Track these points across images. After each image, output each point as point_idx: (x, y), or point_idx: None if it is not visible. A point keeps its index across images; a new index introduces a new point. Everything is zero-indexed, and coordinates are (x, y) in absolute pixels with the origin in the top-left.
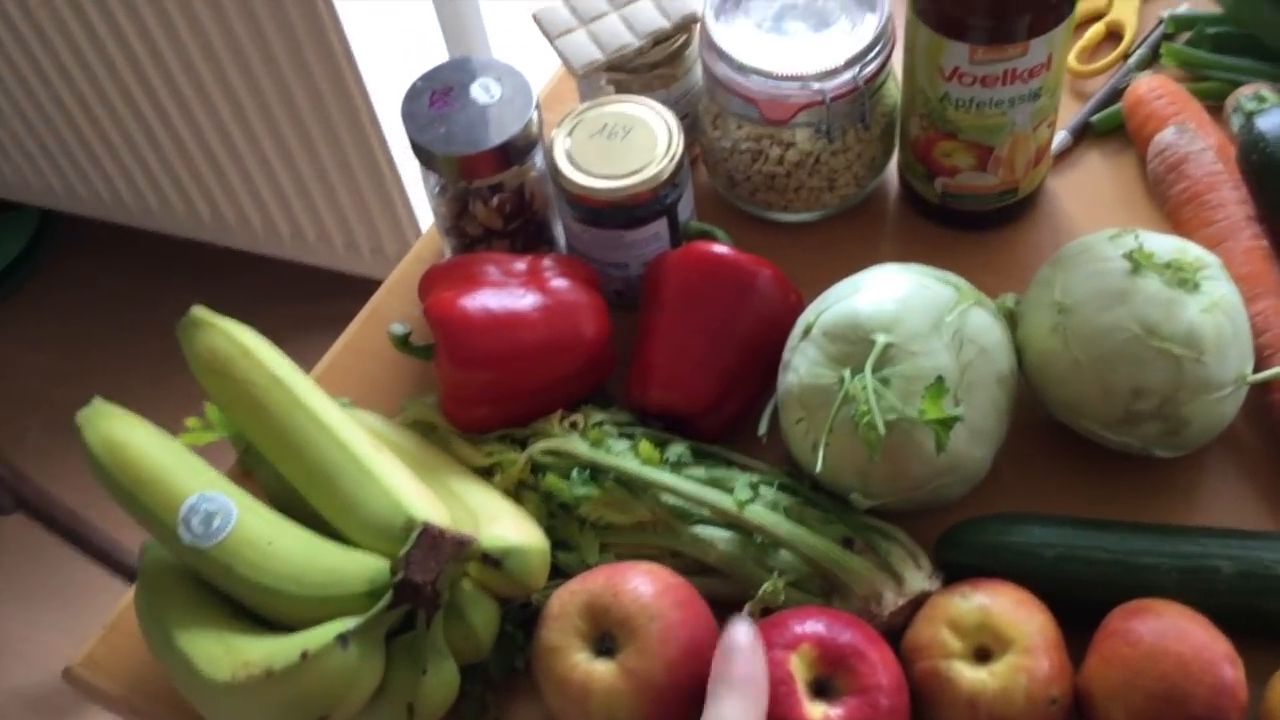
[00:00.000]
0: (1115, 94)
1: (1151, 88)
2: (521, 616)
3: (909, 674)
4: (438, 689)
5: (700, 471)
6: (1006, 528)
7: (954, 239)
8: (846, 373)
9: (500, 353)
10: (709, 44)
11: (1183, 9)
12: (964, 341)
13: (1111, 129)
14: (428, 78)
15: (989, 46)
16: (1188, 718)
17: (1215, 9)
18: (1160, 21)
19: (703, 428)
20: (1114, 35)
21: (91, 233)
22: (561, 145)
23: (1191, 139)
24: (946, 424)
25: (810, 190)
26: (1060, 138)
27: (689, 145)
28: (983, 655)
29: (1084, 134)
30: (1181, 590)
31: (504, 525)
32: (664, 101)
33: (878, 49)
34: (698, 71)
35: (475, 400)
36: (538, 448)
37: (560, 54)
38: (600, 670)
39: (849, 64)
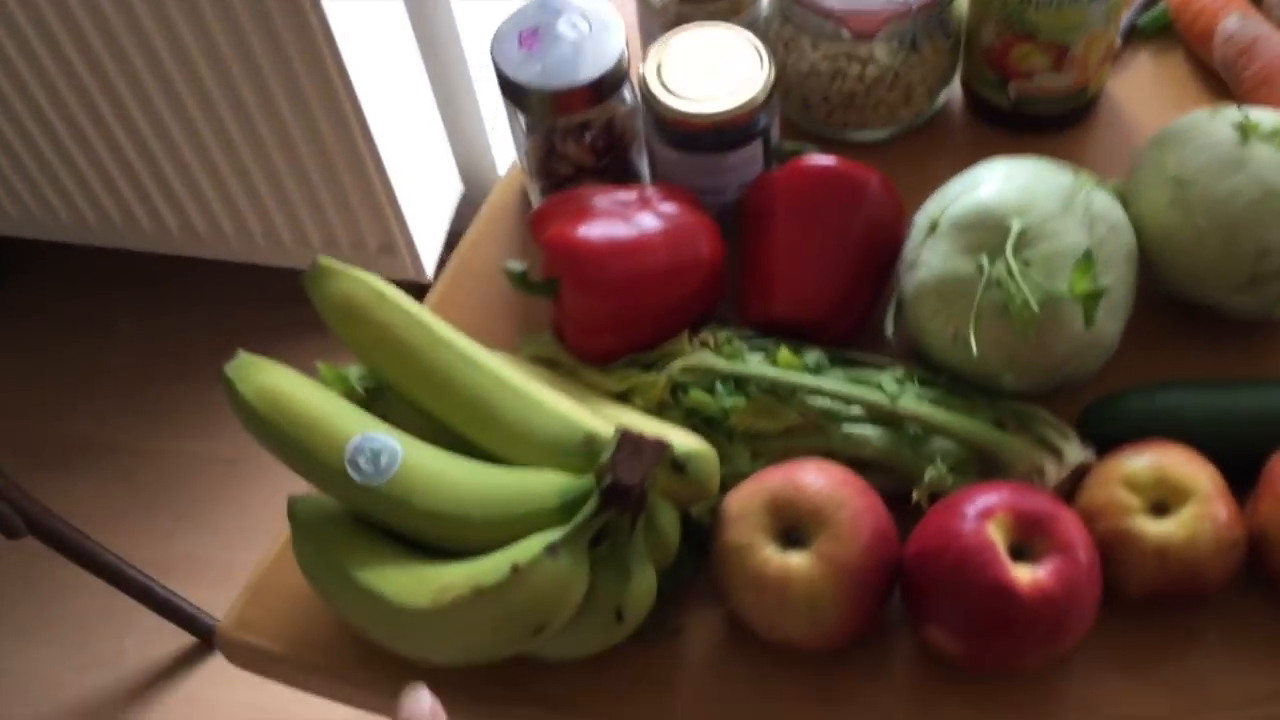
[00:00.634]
0: None
1: None
2: (685, 531)
3: (1094, 538)
4: (642, 592)
5: (840, 373)
6: (1149, 395)
7: (1025, 145)
8: (984, 259)
9: (627, 278)
10: None
11: None
12: (1094, 220)
13: (1158, 29)
14: (513, 19)
15: None
16: None
17: None
18: None
19: (825, 336)
20: None
21: (41, 256)
22: (655, 73)
23: (1256, 24)
24: (1095, 297)
25: (888, 106)
26: None
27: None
28: (1160, 509)
29: (1130, 37)
30: None
31: (674, 435)
32: None
33: None
34: (764, 2)
35: (601, 329)
36: (677, 365)
37: None
38: (796, 560)
39: None
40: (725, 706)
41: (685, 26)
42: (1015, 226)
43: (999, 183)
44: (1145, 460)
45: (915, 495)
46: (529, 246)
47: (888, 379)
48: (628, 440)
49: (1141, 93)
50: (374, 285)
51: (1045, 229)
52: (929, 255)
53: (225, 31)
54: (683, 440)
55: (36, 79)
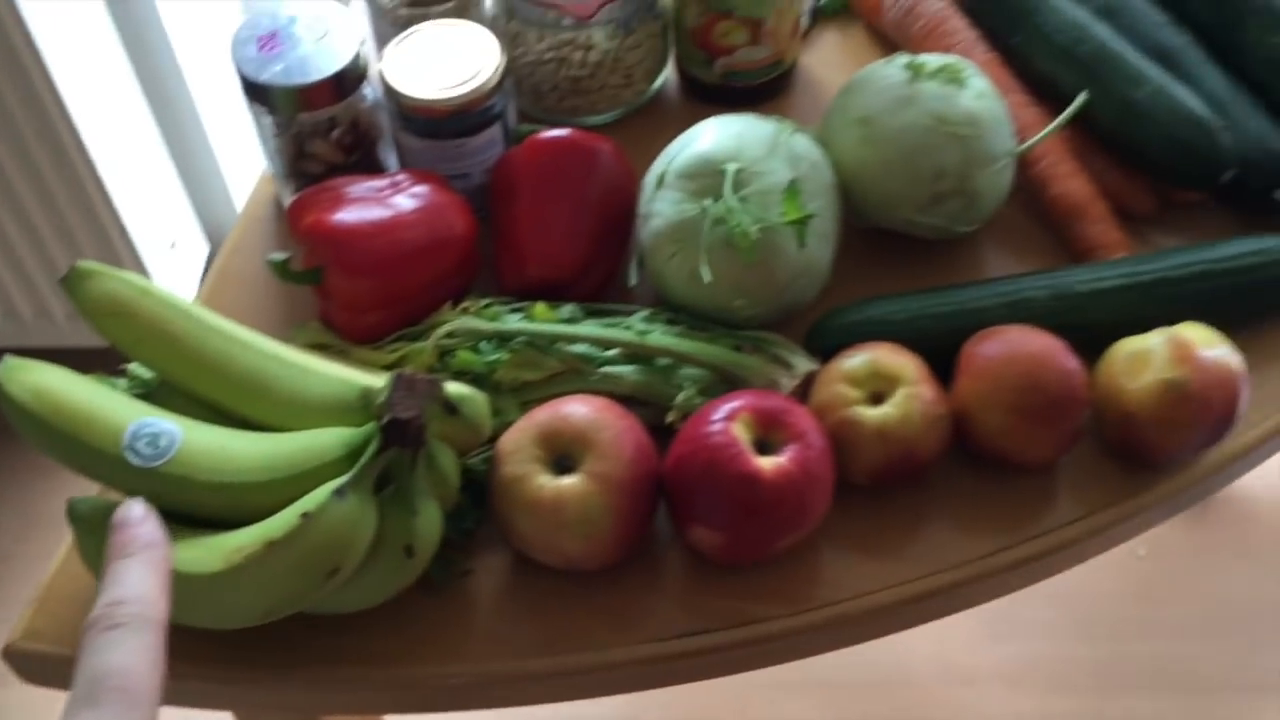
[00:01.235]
0: None
1: None
2: (465, 482)
3: (825, 431)
4: (429, 528)
5: (593, 322)
6: (860, 308)
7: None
8: (709, 201)
9: (387, 255)
10: None
11: None
12: (797, 159)
13: (837, 10)
14: (249, 26)
15: None
16: (1048, 399)
17: None
18: None
19: (577, 293)
20: None
21: None
22: (393, 66)
23: None
24: (804, 222)
25: (611, 89)
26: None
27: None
28: (877, 399)
29: (816, 18)
30: (1010, 319)
31: (447, 387)
32: None
33: None
34: (487, 3)
35: (367, 307)
36: (441, 331)
37: None
38: (567, 483)
39: None
40: (516, 640)
41: (420, 25)
42: (730, 169)
43: (713, 136)
44: (860, 359)
45: (669, 418)
46: (287, 246)
47: (636, 320)
48: (402, 380)
49: (830, 64)
50: (136, 281)
51: (756, 169)
52: (660, 206)
53: None
54: (454, 387)
55: None
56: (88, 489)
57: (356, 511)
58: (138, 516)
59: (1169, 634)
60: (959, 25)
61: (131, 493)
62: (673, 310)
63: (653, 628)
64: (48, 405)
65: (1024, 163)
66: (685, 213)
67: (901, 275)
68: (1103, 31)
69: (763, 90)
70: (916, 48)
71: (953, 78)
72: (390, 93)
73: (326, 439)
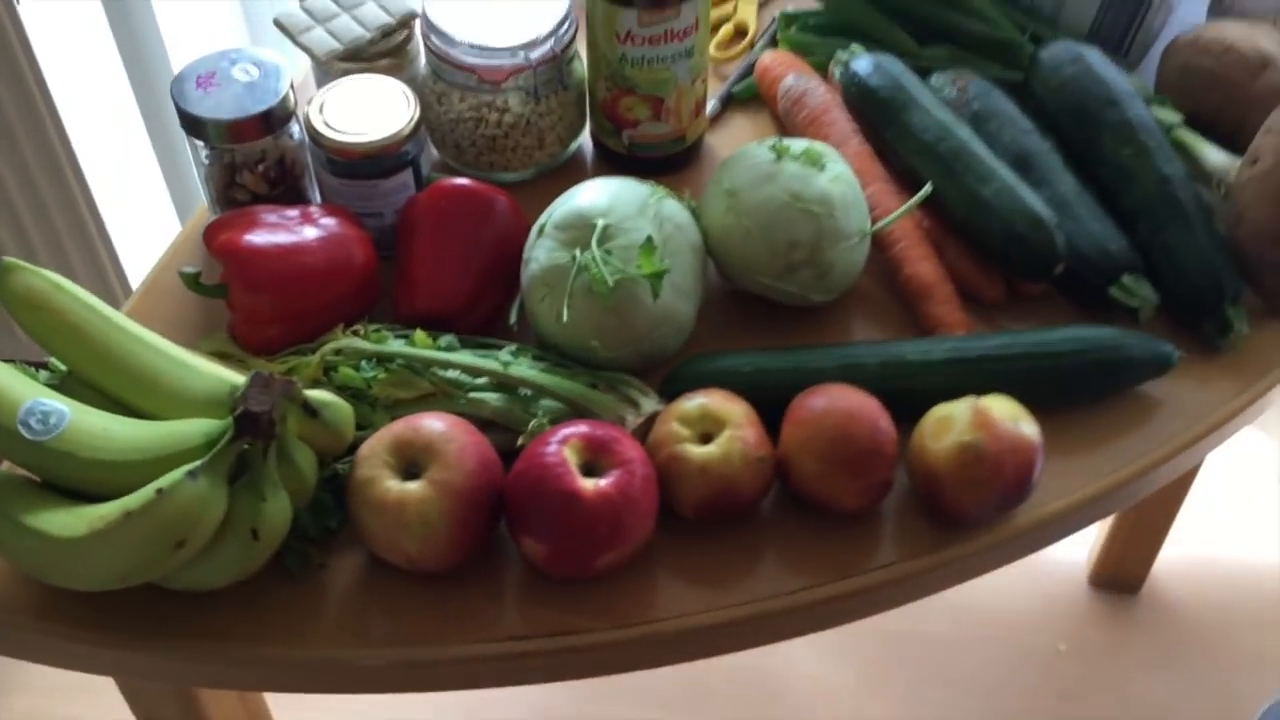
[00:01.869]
0: (748, 70)
1: (774, 58)
2: (331, 486)
3: (655, 465)
4: (276, 514)
5: (468, 352)
6: (712, 359)
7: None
8: (578, 251)
9: (285, 275)
10: (431, 27)
11: (790, 8)
12: (663, 220)
13: (748, 97)
14: (192, 66)
15: (650, 10)
16: (856, 451)
17: (815, 6)
18: (774, 19)
19: (462, 326)
20: (741, 33)
21: None
22: (318, 111)
23: (806, 80)
24: (659, 275)
25: (524, 149)
26: (711, 106)
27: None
28: (706, 439)
29: (729, 103)
30: (843, 379)
31: (316, 394)
32: None
33: (567, 24)
34: (420, 62)
35: (266, 320)
36: (328, 348)
37: (304, 47)
38: (411, 487)
39: (548, 35)
40: (361, 630)
41: (347, 77)
42: (599, 224)
43: (590, 193)
44: (694, 402)
45: (520, 441)
46: (214, 267)
47: (504, 353)
48: (258, 378)
49: (734, 143)
50: (52, 278)
51: (623, 226)
52: (537, 252)
53: None
54: (319, 394)
55: None
56: None
57: (206, 491)
58: None
59: None
60: (839, 117)
61: (24, 463)
62: (544, 347)
63: (485, 630)
64: None
65: (884, 243)
66: (557, 260)
67: (764, 335)
68: (963, 133)
69: (667, 162)
70: (802, 134)
71: (813, 161)
72: (313, 134)
73: (192, 427)
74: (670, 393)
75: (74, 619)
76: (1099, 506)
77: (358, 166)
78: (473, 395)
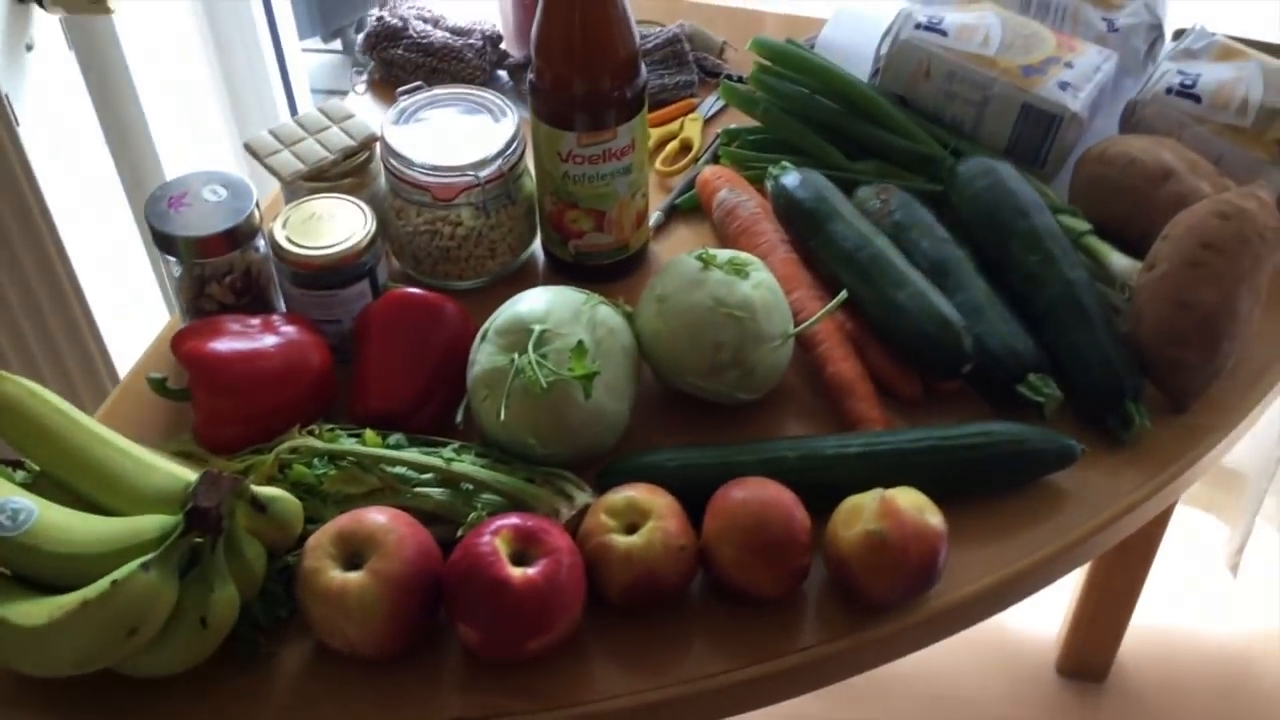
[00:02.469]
0: (691, 184)
1: (715, 172)
2: (282, 577)
3: (584, 555)
4: (224, 604)
5: (416, 450)
6: (641, 455)
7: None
8: (516, 354)
9: (245, 379)
10: (391, 151)
11: (732, 126)
12: (596, 324)
13: (691, 208)
14: (164, 187)
15: (589, 133)
16: (771, 539)
17: (755, 124)
18: (717, 136)
19: (412, 426)
20: (686, 149)
21: None
22: (281, 227)
23: (739, 194)
24: (589, 377)
25: (477, 259)
26: (656, 217)
27: (379, 229)
28: (630, 529)
29: (672, 213)
30: (764, 473)
31: (266, 490)
32: None
33: (514, 145)
34: (381, 181)
35: (226, 422)
36: (283, 446)
37: (270, 169)
38: (353, 577)
39: (496, 155)
40: (308, 714)
41: (310, 196)
42: (536, 330)
43: (529, 301)
44: (621, 494)
45: (459, 533)
46: (180, 369)
47: (448, 450)
48: (208, 475)
49: (678, 251)
50: (26, 385)
51: (559, 331)
52: (480, 356)
53: None
54: (268, 490)
55: None
56: None
57: (158, 582)
58: None
59: None
60: (767, 228)
61: None
62: (486, 445)
63: (424, 714)
64: None
65: (809, 344)
66: (497, 363)
67: (696, 431)
68: (881, 242)
69: (611, 270)
70: (734, 243)
71: (738, 269)
72: (276, 248)
73: (148, 522)
74: (604, 486)
75: (34, 707)
76: (1006, 593)
77: (317, 277)
78: (418, 490)
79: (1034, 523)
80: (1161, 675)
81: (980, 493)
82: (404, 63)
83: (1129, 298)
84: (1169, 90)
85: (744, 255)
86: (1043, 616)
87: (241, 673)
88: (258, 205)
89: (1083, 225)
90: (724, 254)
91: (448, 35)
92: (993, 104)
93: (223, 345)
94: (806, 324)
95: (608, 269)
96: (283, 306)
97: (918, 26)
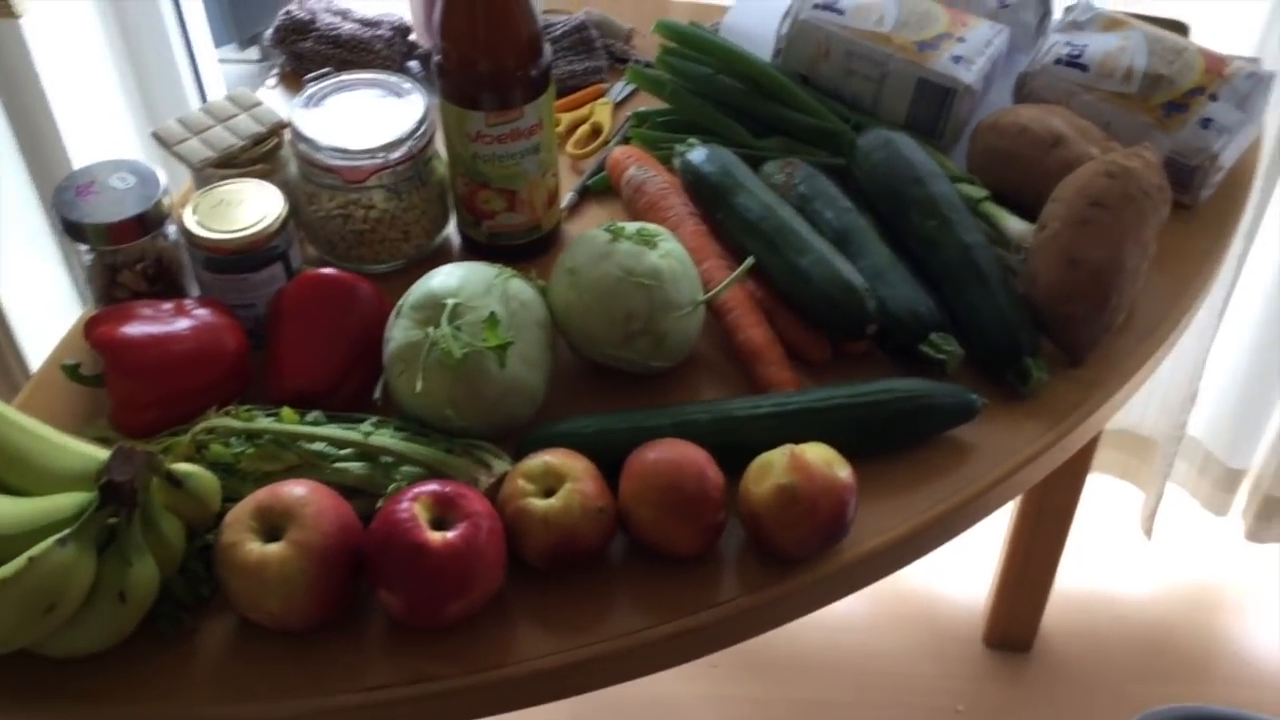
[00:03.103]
0: (602, 166)
1: (624, 152)
2: (202, 556)
3: (503, 520)
4: (142, 578)
5: (334, 426)
6: (558, 424)
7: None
8: (430, 329)
9: (159, 362)
10: (299, 135)
11: (641, 109)
12: (509, 297)
13: (603, 189)
14: (70, 177)
15: (496, 112)
16: (686, 497)
17: (663, 106)
18: (627, 119)
19: (331, 404)
20: (597, 132)
21: None
22: (191, 212)
23: (646, 170)
24: (503, 347)
25: (391, 242)
26: (569, 198)
27: (292, 214)
28: (548, 493)
29: (585, 194)
30: (677, 436)
31: (182, 467)
32: None
33: (423, 126)
34: (292, 168)
35: (142, 406)
36: (199, 427)
37: (179, 156)
38: (272, 548)
39: (406, 137)
40: (232, 687)
41: (222, 182)
42: (450, 304)
43: (441, 277)
44: (537, 460)
45: (378, 504)
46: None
47: (366, 425)
48: (121, 450)
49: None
50: None
51: (472, 304)
52: (395, 332)
53: None
54: (183, 466)
55: None
56: None
57: (74, 557)
58: None
59: None
60: (676, 201)
61: None
62: (404, 419)
63: (350, 681)
64: None
65: (719, 312)
66: (412, 337)
67: (613, 401)
68: (785, 212)
69: (525, 250)
70: (643, 218)
71: (645, 240)
72: (186, 233)
73: (64, 500)
74: (522, 456)
75: None
76: (915, 543)
77: (229, 261)
78: (337, 465)
79: (939, 475)
80: (1085, 642)
81: (887, 448)
82: (314, 55)
83: (1024, 259)
84: (1058, 61)
85: (652, 227)
86: (968, 592)
87: (164, 650)
88: (167, 191)
89: (980, 192)
90: (632, 226)
91: (357, 27)
92: (890, 79)
93: (135, 329)
94: (715, 290)
95: (522, 249)
96: (196, 293)
97: (815, 6)
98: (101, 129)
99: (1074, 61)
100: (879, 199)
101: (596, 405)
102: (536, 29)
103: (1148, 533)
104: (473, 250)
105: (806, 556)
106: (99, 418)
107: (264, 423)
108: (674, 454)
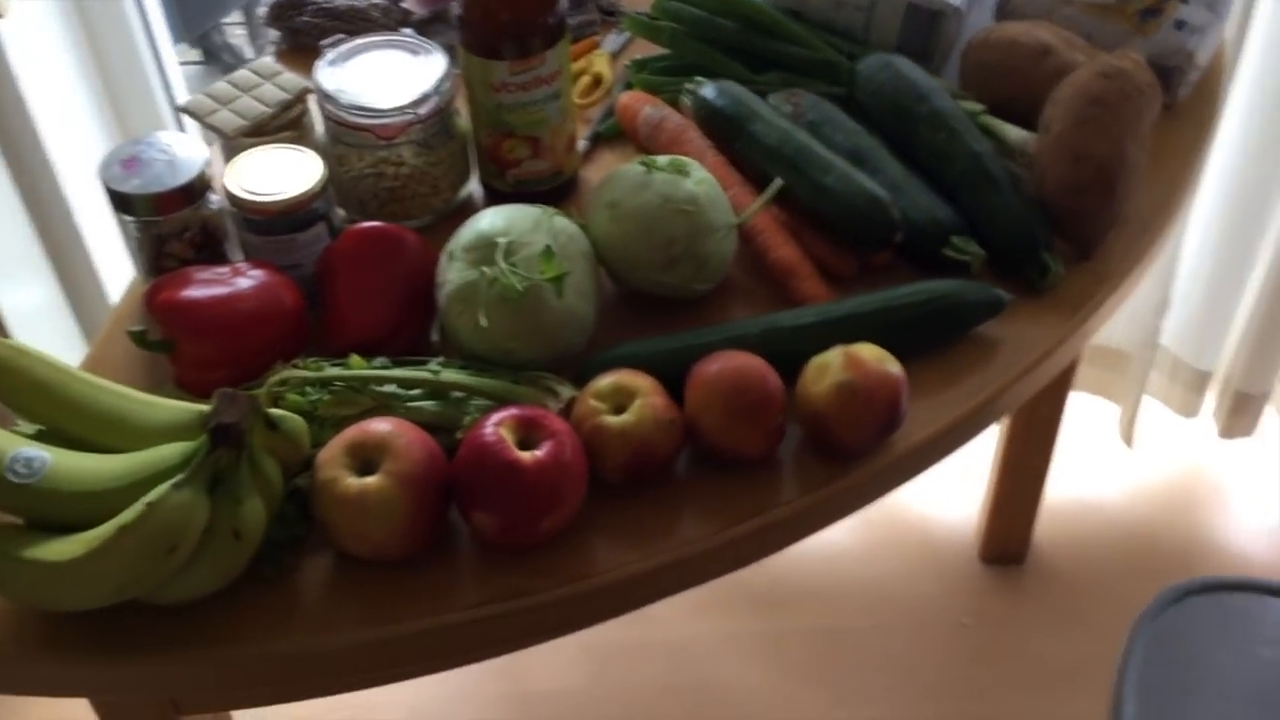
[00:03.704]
0: (609, 112)
1: (633, 96)
2: (294, 499)
3: (580, 438)
4: (253, 515)
5: (401, 370)
6: (614, 349)
7: None
8: (485, 268)
9: (225, 320)
10: (328, 97)
11: (638, 56)
12: (556, 233)
13: (613, 135)
14: (113, 154)
15: (518, 60)
16: (751, 400)
17: (661, 51)
18: (625, 67)
19: (391, 351)
20: (598, 82)
21: None
22: (235, 177)
23: (661, 108)
24: (560, 277)
25: (421, 197)
26: (581, 145)
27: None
28: (619, 410)
29: (596, 141)
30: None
31: (273, 409)
32: None
33: (447, 78)
34: (318, 132)
35: (210, 366)
36: (272, 380)
37: (212, 127)
38: (370, 481)
39: (433, 90)
40: (334, 618)
41: (257, 148)
42: (502, 242)
43: (489, 218)
44: (606, 380)
45: (457, 435)
46: (151, 329)
47: (434, 364)
48: (224, 395)
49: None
50: (14, 344)
51: (523, 241)
52: (450, 275)
53: None
54: (274, 411)
55: None
56: None
57: (190, 499)
58: None
59: (997, 691)
60: (694, 135)
61: (12, 509)
62: (465, 358)
63: (447, 603)
64: None
65: (748, 236)
66: (468, 278)
67: (656, 326)
68: (801, 135)
69: (549, 195)
70: (665, 154)
71: (679, 170)
72: (231, 198)
73: (169, 450)
74: (582, 383)
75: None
76: (959, 432)
77: (276, 223)
78: (410, 405)
79: (974, 370)
80: (1075, 550)
81: (926, 346)
82: (310, 29)
83: (1029, 164)
84: None
85: (682, 158)
86: (959, 512)
87: (268, 590)
88: (209, 161)
89: (977, 107)
90: (663, 159)
91: None
92: (880, 7)
93: (199, 292)
94: (748, 211)
95: (546, 194)
96: (240, 258)
97: None
98: (72, 128)
99: None
100: (885, 119)
101: (642, 331)
102: None
103: (1128, 441)
104: (498, 200)
105: (865, 450)
106: (161, 384)
107: (333, 370)
108: (736, 363)
